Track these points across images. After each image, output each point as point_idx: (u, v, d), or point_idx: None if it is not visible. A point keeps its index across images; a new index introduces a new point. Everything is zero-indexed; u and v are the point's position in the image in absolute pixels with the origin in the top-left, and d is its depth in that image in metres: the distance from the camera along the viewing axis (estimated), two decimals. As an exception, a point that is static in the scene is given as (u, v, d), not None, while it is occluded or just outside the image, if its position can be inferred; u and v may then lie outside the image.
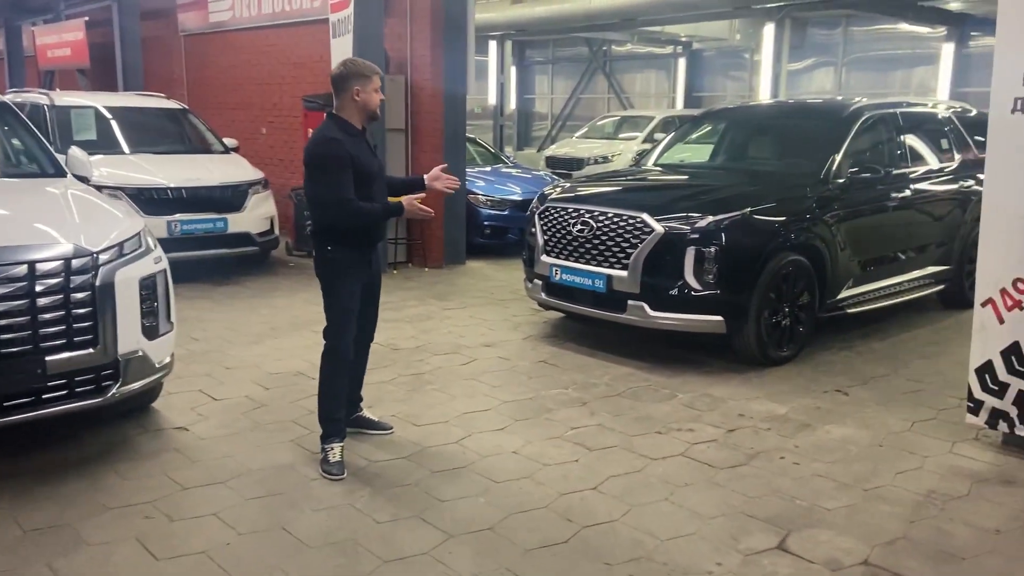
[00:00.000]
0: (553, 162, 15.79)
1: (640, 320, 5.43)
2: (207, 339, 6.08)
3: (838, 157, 5.94)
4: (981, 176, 7.01)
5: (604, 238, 5.55)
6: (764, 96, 15.59)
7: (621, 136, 16.86)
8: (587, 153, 15.74)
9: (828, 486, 3.78)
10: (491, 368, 5.54)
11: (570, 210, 5.83)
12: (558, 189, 6.31)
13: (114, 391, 3.81)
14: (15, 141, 5.01)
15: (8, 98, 6.72)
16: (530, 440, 4.30)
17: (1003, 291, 3.98)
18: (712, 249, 5.21)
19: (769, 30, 14.98)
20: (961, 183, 6.86)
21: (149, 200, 7.69)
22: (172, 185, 7.98)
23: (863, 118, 6.27)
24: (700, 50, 21.50)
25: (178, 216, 7.87)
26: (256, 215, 8.49)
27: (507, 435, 4.38)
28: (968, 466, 3.99)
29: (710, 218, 5.28)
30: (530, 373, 5.44)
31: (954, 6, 15.01)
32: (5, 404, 3.50)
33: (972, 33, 16.87)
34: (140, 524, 3.39)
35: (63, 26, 14.68)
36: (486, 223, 9.63)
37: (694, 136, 7.69)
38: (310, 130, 10.11)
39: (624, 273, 5.43)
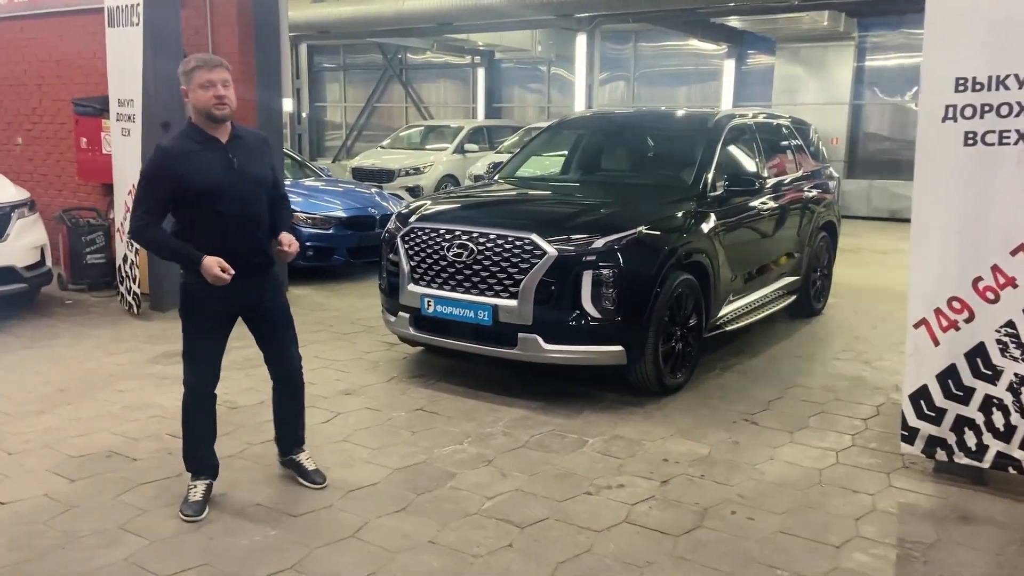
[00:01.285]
0: (360, 174, 14.78)
1: (533, 355, 4.79)
2: (-30, 413, 4.62)
3: (711, 169, 5.67)
4: (819, 184, 7.39)
5: (487, 263, 4.85)
6: (580, 108, 15.63)
7: (429, 147, 16.21)
8: (397, 164, 14.90)
9: (798, 546, 3.34)
10: (361, 424, 4.64)
11: (442, 231, 5.06)
12: (421, 208, 5.50)
13: None
14: None
15: None
16: (444, 522, 3.49)
17: (937, 311, 3.77)
18: (610, 272, 4.69)
19: (581, 41, 15.00)
20: (806, 192, 6.94)
21: None
22: (-99, 210, 6.20)
23: (728, 128, 6.08)
24: (500, 60, 21.41)
25: (-89, 250, 6.11)
26: (22, 244, 6.85)
27: (413, 518, 3.54)
28: (917, 503, 3.74)
29: (606, 238, 4.75)
30: (411, 426, 4.60)
31: (735, 23, 15.92)
32: None
33: (749, 51, 18.11)
34: None
35: None
36: (308, 244, 8.54)
37: (546, 148, 7.20)
38: (83, 139, 8.50)
39: (513, 303, 4.76)
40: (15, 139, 9.71)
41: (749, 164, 6.27)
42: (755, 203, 6.04)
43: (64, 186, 9.30)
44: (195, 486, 3.60)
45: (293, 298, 8.07)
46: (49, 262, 7.23)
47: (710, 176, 5.62)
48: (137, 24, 6.55)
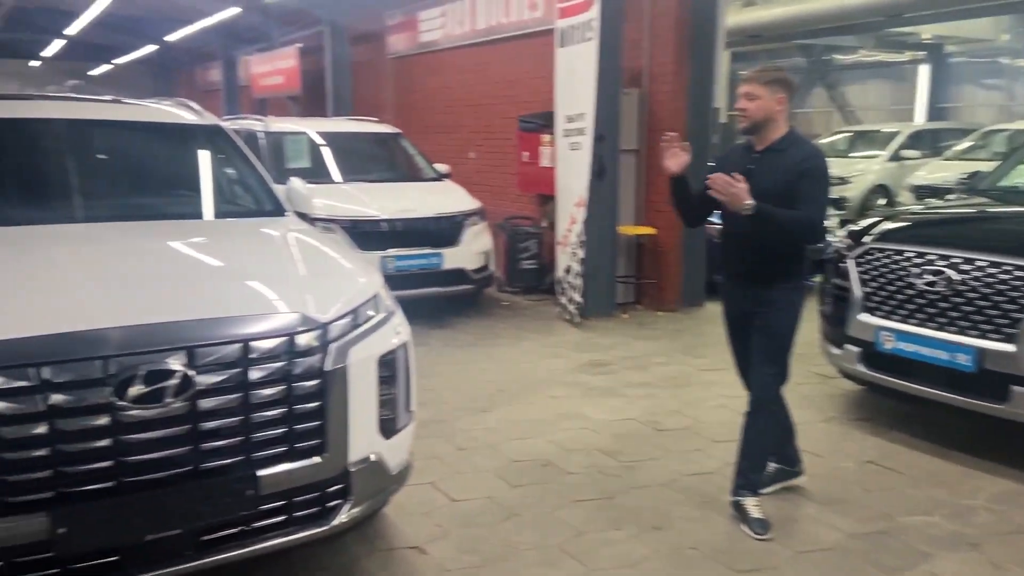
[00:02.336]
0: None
1: (1034, 416, 3.81)
2: (431, 402, 5.05)
3: None
4: None
5: (971, 295, 3.98)
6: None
7: (856, 154, 14.73)
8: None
9: None
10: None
11: (910, 254, 4.29)
12: (878, 225, 4.76)
13: (342, 516, 2.76)
14: (229, 171, 4.22)
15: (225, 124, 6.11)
16: (924, 617, 2.84)
17: None
18: None
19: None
20: None
21: (362, 234, 6.91)
22: (385, 217, 7.17)
23: None
24: (949, 54, 18.73)
25: (392, 251, 7.04)
26: (471, 250, 7.53)
27: (881, 601, 2.94)
28: None
29: None
30: (863, 482, 3.94)
31: None
32: (204, 538, 2.52)
33: None
34: None
35: (276, 54, 14.80)
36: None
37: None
38: (524, 153, 9.17)
39: (1007, 347, 3.83)
40: (468, 153, 10.89)
41: None
42: None
43: (506, 196, 10.16)
44: (744, 501, 3.53)
45: (709, 314, 7.74)
46: (492, 266, 7.87)
47: None
48: (591, 39, 6.75)
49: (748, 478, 3.55)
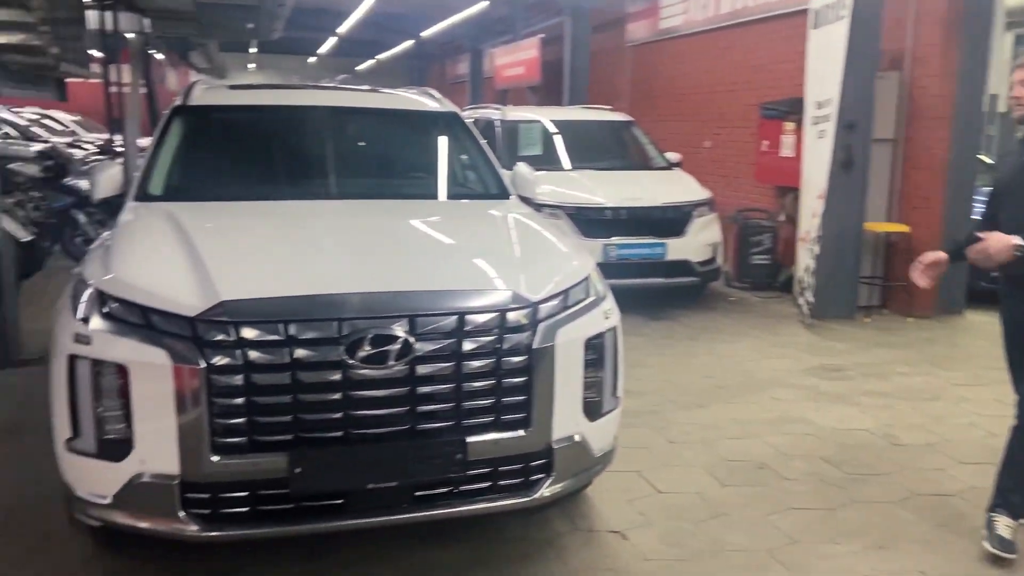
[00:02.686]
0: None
1: None
2: (643, 392, 5.01)
3: None
4: None
5: None
6: None
7: None
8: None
9: None
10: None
11: None
12: None
13: (544, 490, 2.83)
14: (462, 155, 4.45)
15: (465, 113, 6.46)
16: None
17: None
18: None
19: None
20: None
21: (586, 221, 6.99)
22: (611, 205, 7.18)
23: None
24: None
25: (615, 239, 7.04)
26: (698, 241, 7.32)
27: None
28: None
29: None
30: None
31: None
32: (418, 494, 2.70)
33: None
34: None
35: (519, 46, 15.32)
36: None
37: None
38: (764, 142, 8.75)
39: None
40: (703, 142, 10.60)
41: None
42: None
43: (740, 187, 9.78)
44: (997, 519, 3.20)
45: (969, 324, 6.99)
46: (720, 260, 7.61)
47: None
48: (844, 18, 6.29)
49: (1007, 499, 3.17)
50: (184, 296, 2.56)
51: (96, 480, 2.57)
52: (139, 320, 2.54)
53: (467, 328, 2.66)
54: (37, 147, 9.86)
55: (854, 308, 7.08)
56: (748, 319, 7.14)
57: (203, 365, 2.44)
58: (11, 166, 7.88)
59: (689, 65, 10.90)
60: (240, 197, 3.70)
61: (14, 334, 5.31)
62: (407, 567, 3.03)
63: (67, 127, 16.53)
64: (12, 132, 12.61)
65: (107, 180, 3.80)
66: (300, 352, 2.51)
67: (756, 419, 4.67)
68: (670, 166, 8.34)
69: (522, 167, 4.44)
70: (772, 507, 3.58)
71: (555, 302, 2.87)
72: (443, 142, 4.44)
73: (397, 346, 2.56)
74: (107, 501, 2.55)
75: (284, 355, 2.50)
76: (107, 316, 2.58)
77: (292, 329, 2.52)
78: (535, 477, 2.83)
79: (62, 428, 2.59)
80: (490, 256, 3.11)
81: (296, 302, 2.59)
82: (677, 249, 7.18)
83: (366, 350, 2.53)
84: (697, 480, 3.85)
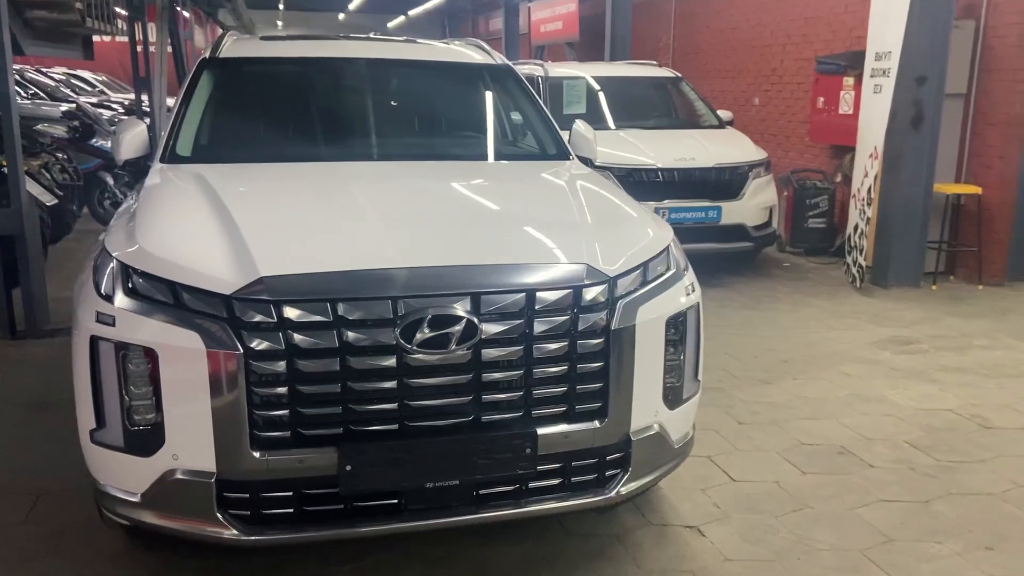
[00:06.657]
0: None
1: None
2: (706, 367, 4.62)
3: None
4: None
5: None
6: None
7: None
8: None
9: None
10: None
11: None
12: None
13: (620, 487, 2.52)
14: (516, 113, 4.08)
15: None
16: None
17: None
18: None
19: None
20: None
21: (637, 183, 6.60)
22: (662, 166, 6.79)
23: None
24: None
25: (667, 203, 6.65)
26: (754, 204, 6.92)
27: None
28: None
29: None
30: None
31: None
32: (481, 492, 2.41)
33: None
34: None
35: (556, 0, 14.74)
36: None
37: None
38: (820, 99, 8.24)
39: None
40: (752, 100, 10.08)
41: None
42: None
43: (792, 147, 9.29)
44: None
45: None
46: (775, 223, 7.20)
47: None
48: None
49: None
50: (219, 271, 2.25)
51: (124, 476, 2.30)
52: (168, 298, 2.24)
53: (537, 307, 2.33)
54: (63, 107, 9.63)
55: (920, 275, 6.65)
56: (805, 286, 6.74)
57: (241, 350, 2.15)
58: (37, 127, 7.64)
59: (738, 18, 10.33)
60: (275, 158, 3.38)
61: (41, 304, 5.09)
62: (464, 566, 2.76)
63: (95, 87, 16.32)
64: (40, 93, 12.40)
65: (131, 140, 3.47)
66: (350, 335, 2.20)
67: (828, 397, 4.32)
68: (722, 124, 7.89)
69: (580, 125, 4.07)
70: (859, 499, 3.25)
71: (634, 276, 2.53)
72: (496, 98, 4.07)
73: (459, 328, 2.24)
74: (136, 499, 2.28)
75: (332, 339, 2.20)
76: (132, 293, 2.29)
77: (341, 309, 2.21)
78: (610, 473, 2.53)
79: (86, 417, 2.32)
80: (559, 225, 2.76)
81: (345, 278, 2.27)
82: (732, 212, 6.79)
83: (424, 333, 2.22)
84: (773, 467, 3.53)
